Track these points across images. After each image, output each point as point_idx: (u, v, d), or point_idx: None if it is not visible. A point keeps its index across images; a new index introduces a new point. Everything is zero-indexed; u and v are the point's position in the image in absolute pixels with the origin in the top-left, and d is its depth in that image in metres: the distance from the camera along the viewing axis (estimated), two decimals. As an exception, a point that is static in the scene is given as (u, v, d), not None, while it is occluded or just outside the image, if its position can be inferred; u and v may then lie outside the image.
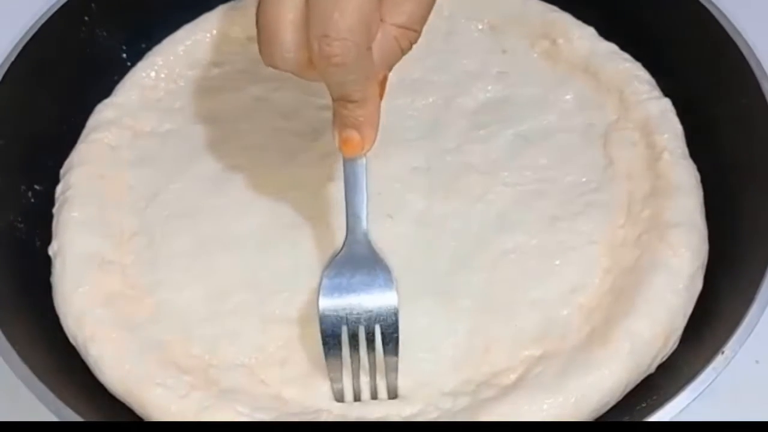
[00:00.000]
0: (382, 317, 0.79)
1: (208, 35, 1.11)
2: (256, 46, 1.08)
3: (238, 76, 1.08)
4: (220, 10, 1.13)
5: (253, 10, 1.10)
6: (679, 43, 1.03)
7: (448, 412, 0.82)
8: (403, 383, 0.84)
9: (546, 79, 1.05)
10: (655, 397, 0.80)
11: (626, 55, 1.04)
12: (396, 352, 0.80)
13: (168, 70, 1.08)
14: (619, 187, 0.95)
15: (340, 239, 0.87)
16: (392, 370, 0.81)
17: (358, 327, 0.80)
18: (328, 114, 1.03)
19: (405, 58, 1.06)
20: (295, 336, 0.87)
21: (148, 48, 1.10)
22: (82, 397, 0.82)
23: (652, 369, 0.84)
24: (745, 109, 0.93)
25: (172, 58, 1.09)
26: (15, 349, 0.81)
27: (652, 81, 1.02)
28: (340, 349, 0.80)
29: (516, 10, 1.10)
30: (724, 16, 0.98)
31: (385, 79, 0.79)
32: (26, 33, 1.01)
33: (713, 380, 0.77)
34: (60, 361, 0.86)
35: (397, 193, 0.96)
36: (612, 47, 1.05)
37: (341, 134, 0.78)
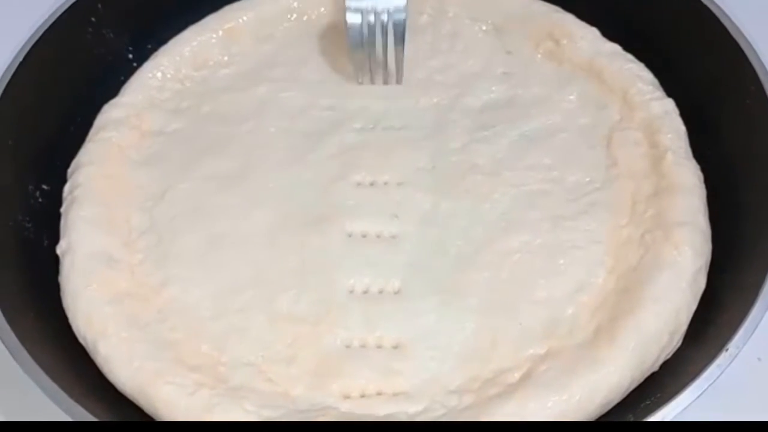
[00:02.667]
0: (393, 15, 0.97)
1: (214, 36, 1.11)
2: (263, 47, 1.11)
3: (244, 77, 1.09)
4: (226, 11, 1.13)
5: (258, 11, 1.13)
6: (682, 44, 1.04)
7: (453, 409, 0.82)
8: (409, 381, 0.84)
9: (550, 79, 1.06)
10: (659, 395, 0.80)
11: (630, 56, 1.05)
12: (402, 42, 0.99)
13: (174, 71, 1.09)
14: (622, 187, 0.96)
15: (347, 238, 0.89)
16: (399, 57, 1.00)
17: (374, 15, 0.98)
18: (335, 114, 1.05)
19: (409, 57, 1.09)
20: (303, 334, 0.87)
21: (155, 49, 1.11)
22: (91, 395, 0.82)
23: (656, 367, 0.85)
24: (748, 109, 0.94)
25: (178, 58, 1.10)
26: (25, 347, 0.82)
27: (656, 81, 1.03)
28: (362, 38, 0.99)
29: (520, 11, 1.10)
30: (728, 18, 0.98)
31: None
32: (34, 34, 1.03)
33: (717, 377, 0.78)
34: (69, 359, 0.87)
35: (402, 193, 0.97)
36: (615, 48, 1.06)
37: None
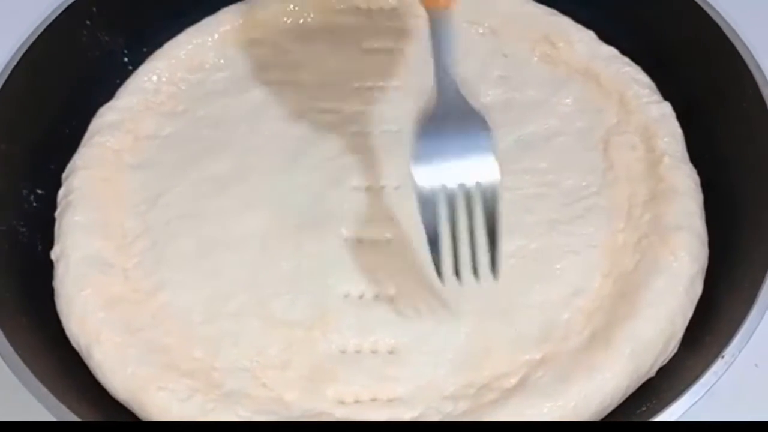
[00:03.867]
0: (483, 187, 0.73)
1: (210, 39, 1.11)
2: (259, 50, 1.11)
3: (239, 80, 1.08)
4: (222, 14, 1.13)
5: (253, 14, 1.12)
6: (679, 47, 1.03)
7: (449, 415, 0.82)
8: (404, 387, 0.84)
9: (546, 82, 1.06)
10: (655, 401, 0.80)
11: (626, 59, 1.05)
12: (496, 220, 0.73)
13: (169, 74, 1.09)
14: (619, 191, 0.95)
15: (342, 242, 0.88)
16: (494, 241, 0.74)
17: (455, 197, 0.73)
18: (330, 117, 1.04)
19: (405, 61, 1.08)
20: (297, 339, 0.87)
21: (150, 52, 1.11)
22: (84, 400, 0.82)
23: (653, 373, 0.84)
24: (745, 113, 0.94)
25: (173, 62, 1.09)
26: (17, 353, 0.82)
27: (652, 85, 1.03)
28: (438, 225, 0.74)
29: (517, 15, 1.10)
30: (725, 21, 0.98)
31: None
32: (29, 37, 1.02)
33: (713, 384, 0.78)
34: (62, 364, 0.86)
35: (398, 197, 0.96)
36: (612, 51, 1.06)
37: None
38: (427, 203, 0.74)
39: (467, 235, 0.75)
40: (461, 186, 0.74)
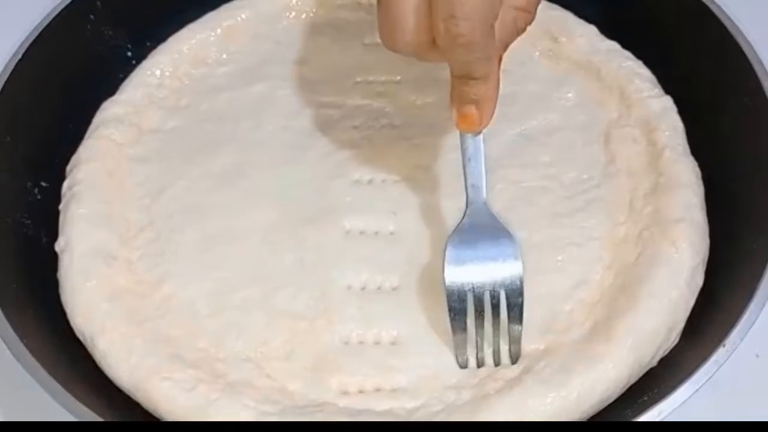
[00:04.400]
0: (507, 285, 0.81)
1: (213, 34, 1.12)
2: (261, 46, 1.12)
3: (242, 75, 1.09)
4: (225, 9, 1.14)
5: (256, 9, 1.13)
6: (680, 41, 1.04)
7: (451, 405, 0.82)
8: (407, 377, 0.85)
9: (548, 77, 1.06)
10: (656, 390, 0.80)
11: (627, 53, 1.05)
12: (521, 320, 0.82)
13: (173, 69, 1.09)
14: (620, 184, 0.96)
15: (344, 235, 0.89)
16: (516, 337, 0.83)
17: (483, 294, 0.81)
18: (332, 112, 1.05)
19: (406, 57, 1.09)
20: (301, 330, 0.88)
21: (154, 47, 1.11)
22: (89, 390, 0.82)
23: (654, 363, 0.85)
24: (746, 106, 0.94)
25: (177, 56, 1.10)
26: (23, 343, 0.82)
27: (653, 79, 1.03)
28: (465, 318, 0.81)
29: (518, 9, 1.11)
30: (726, 15, 0.99)
31: (500, 58, 0.79)
32: (33, 32, 1.03)
33: (714, 373, 0.78)
34: (68, 354, 0.87)
35: (400, 190, 0.97)
36: (613, 45, 1.06)
37: (460, 110, 0.79)
38: (454, 301, 0.82)
39: (490, 328, 0.83)
40: (487, 283, 0.82)
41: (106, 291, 0.89)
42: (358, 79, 1.08)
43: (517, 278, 0.82)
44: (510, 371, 0.84)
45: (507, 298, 0.82)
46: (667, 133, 0.97)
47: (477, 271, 0.82)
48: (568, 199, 0.96)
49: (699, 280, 0.88)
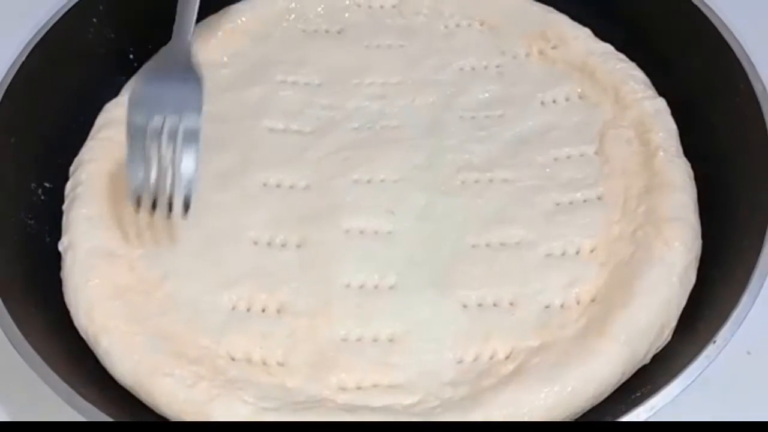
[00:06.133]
0: (186, 123, 0.83)
1: (214, 37, 1.13)
2: (261, 47, 1.13)
3: (243, 77, 1.10)
4: (225, 11, 1.15)
5: (256, 12, 1.14)
6: (673, 43, 1.05)
7: (448, 401, 0.84)
8: (404, 374, 0.86)
9: (543, 78, 1.08)
10: (649, 386, 0.82)
11: (622, 56, 1.07)
12: (195, 163, 0.82)
13: (174, 71, 1.10)
14: (614, 184, 0.97)
15: (344, 234, 0.90)
16: (188, 176, 0.83)
17: (163, 123, 0.83)
18: (332, 113, 1.06)
19: (405, 57, 1.10)
20: (300, 327, 0.89)
21: (155, 49, 1.11)
22: (92, 386, 0.84)
23: (647, 359, 0.86)
24: (738, 107, 0.96)
25: (178, 58, 1.11)
26: (28, 340, 0.83)
27: (647, 81, 1.05)
28: (144, 140, 0.82)
29: (515, 12, 1.13)
30: (718, 18, 1.00)
31: None
32: (36, 34, 1.04)
33: (705, 368, 0.79)
34: (71, 351, 0.88)
35: (398, 190, 0.98)
36: (608, 48, 1.08)
37: None
38: (136, 137, 0.83)
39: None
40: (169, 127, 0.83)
41: (108, 289, 0.90)
42: (358, 81, 1.10)
43: (196, 114, 0.83)
44: (505, 367, 0.85)
45: (183, 133, 0.82)
46: (660, 134, 0.99)
47: (161, 108, 0.83)
48: (564, 198, 0.97)
49: (692, 278, 0.90)
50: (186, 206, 0.85)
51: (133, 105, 0.83)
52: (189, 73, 0.85)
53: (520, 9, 1.13)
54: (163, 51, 0.85)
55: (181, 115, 0.83)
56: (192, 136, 0.84)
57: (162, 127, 0.82)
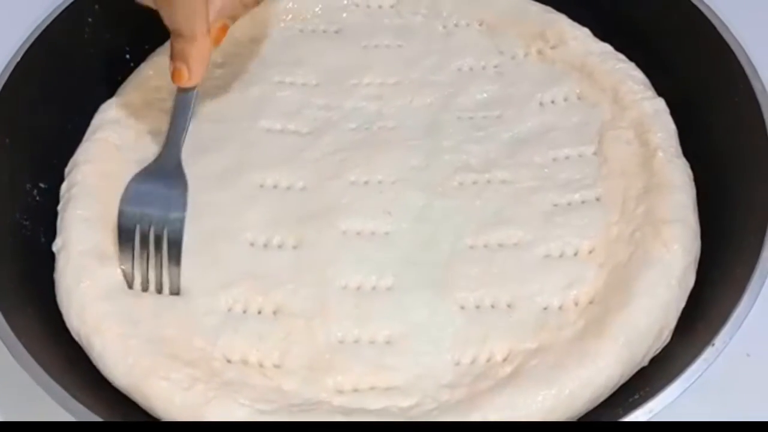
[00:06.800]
0: (171, 224, 0.90)
1: (210, 36, 1.12)
2: (258, 47, 1.13)
3: (239, 77, 1.10)
4: (222, 11, 1.14)
5: (253, 12, 1.12)
6: (672, 44, 1.05)
7: (445, 403, 0.83)
8: (401, 376, 0.85)
9: (542, 78, 1.07)
10: (647, 389, 0.81)
11: (621, 56, 1.06)
12: (178, 261, 0.90)
13: (171, 71, 1.10)
14: (613, 185, 0.97)
15: (341, 235, 0.89)
16: (175, 267, 0.91)
17: (149, 228, 0.90)
18: (329, 114, 1.06)
19: (403, 58, 1.10)
20: (297, 328, 0.88)
21: (152, 49, 1.12)
22: (87, 389, 0.83)
23: (646, 362, 0.86)
24: (737, 108, 0.95)
25: (174, 58, 1.10)
26: (21, 342, 0.83)
27: (647, 81, 1.04)
28: (133, 244, 0.90)
29: (513, 12, 1.12)
30: (717, 18, 1.00)
31: (225, 28, 0.92)
32: (31, 34, 1.04)
33: (704, 371, 0.79)
34: (66, 355, 0.87)
35: (396, 191, 0.98)
36: (607, 48, 1.07)
37: (172, 65, 0.90)
38: (127, 233, 0.91)
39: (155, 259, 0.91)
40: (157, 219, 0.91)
41: (101, 291, 0.90)
42: (355, 81, 1.09)
43: (179, 221, 0.90)
44: (502, 369, 0.85)
45: (168, 234, 0.90)
46: (659, 134, 0.98)
47: (150, 206, 0.90)
48: (562, 198, 0.97)
49: (691, 280, 0.89)
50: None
51: (123, 201, 0.91)
52: (177, 179, 0.93)
53: (519, 9, 1.12)
54: (157, 158, 0.95)
55: (167, 215, 0.91)
56: (175, 246, 0.91)
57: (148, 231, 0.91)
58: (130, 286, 0.91)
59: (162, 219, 0.90)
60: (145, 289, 0.91)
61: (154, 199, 0.91)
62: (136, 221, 0.90)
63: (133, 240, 0.90)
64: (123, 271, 0.91)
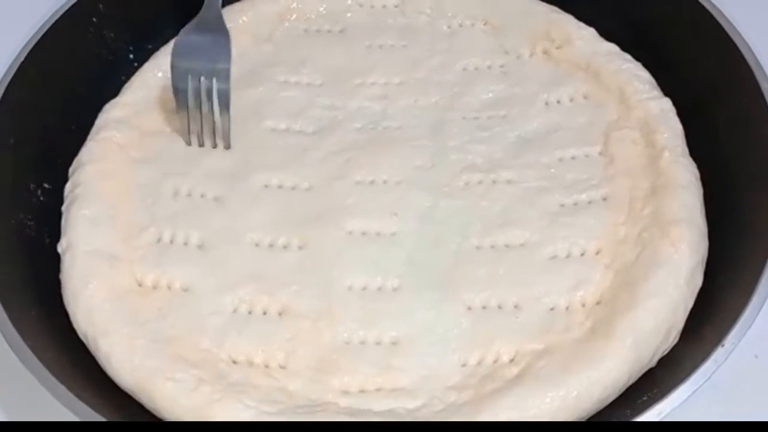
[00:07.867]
0: (218, 74, 0.99)
1: (215, 36, 1.12)
2: (261, 47, 1.12)
3: (244, 77, 1.09)
4: (226, 11, 1.13)
5: (257, 11, 1.14)
6: (679, 43, 1.05)
7: (452, 405, 0.83)
8: (408, 377, 0.85)
9: (548, 78, 1.07)
10: (656, 390, 0.81)
11: (627, 56, 1.06)
12: (228, 108, 1.00)
13: (174, 71, 1.10)
14: (620, 185, 0.96)
15: (346, 236, 0.89)
16: (226, 115, 1.00)
17: (199, 81, 0.99)
18: (334, 114, 1.06)
19: (408, 57, 1.09)
20: (303, 330, 0.88)
21: (155, 49, 1.12)
22: (92, 390, 0.83)
23: (654, 363, 0.85)
24: (744, 108, 0.95)
25: (178, 58, 1.11)
26: (27, 344, 0.83)
27: (653, 81, 1.04)
28: (187, 98, 0.99)
29: (518, 11, 1.12)
30: (725, 18, 0.99)
31: None
32: (35, 34, 1.04)
33: (713, 373, 0.79)
34: (71, 355, 0.87)
35: (401, 191, 0.98)
36: (613, 48, 1.07)
37: None
38: (178, 81, 0.99)
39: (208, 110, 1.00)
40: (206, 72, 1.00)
41: (107, 292, 0.90)
42: (360, 81, 1.09)
43: (226, 70, 0.99)
44: (509, 371, 0.84)
45: (217, 84, 0.99)
46: (666, 134, 0.98)
47: (197, 59, 0.99)
48: (568, 199, 0.96)
49: (698, 281, 0.89)
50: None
51: (174, 55, 0.99)
52: (220, 31, 1.01)
53: (524, 8, 1.12)
54: (199, 15, 1.02)
55: (214, 66, 0.99)
56: (224, 96, 0.99)
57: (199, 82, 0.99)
58: (189, 142, 1.01)
59: (210, 70, 0.98)
60: (201, 144, 1.01)
61: (200, 52, 0.99)
62: (187, 74, 0.98)
63: (186, 97, 0.98)
64: (182, 128, 1.00)
